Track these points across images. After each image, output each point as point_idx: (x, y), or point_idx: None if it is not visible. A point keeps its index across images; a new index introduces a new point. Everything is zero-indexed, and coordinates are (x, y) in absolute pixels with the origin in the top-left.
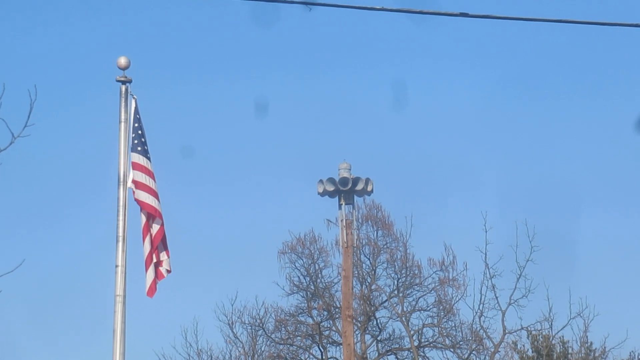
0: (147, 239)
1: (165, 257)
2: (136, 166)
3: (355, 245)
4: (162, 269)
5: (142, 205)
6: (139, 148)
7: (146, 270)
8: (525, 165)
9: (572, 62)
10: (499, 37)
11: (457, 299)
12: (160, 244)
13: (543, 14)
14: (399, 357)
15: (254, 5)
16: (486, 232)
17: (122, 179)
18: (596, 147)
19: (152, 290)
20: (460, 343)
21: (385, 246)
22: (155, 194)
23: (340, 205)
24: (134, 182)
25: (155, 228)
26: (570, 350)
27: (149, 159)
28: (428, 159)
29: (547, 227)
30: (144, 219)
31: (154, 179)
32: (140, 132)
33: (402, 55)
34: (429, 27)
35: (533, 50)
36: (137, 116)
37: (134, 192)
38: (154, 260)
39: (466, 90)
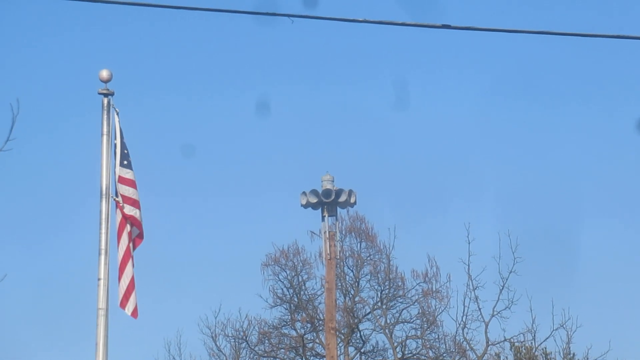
0: (130, 262)
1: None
2: (127, 182)
3: (338, 257)
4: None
5: (130, 218)
6: (125, 162)
7: (129, 292)
8: (515, 176)
9: (571, 67)
10: (495, 41)
11: (441, 311)
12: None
13: (539, 17)
14: None
15: (252, 7)
16: (469, 243)
17: (104, 192)
18: (592, 156)
19: (136, 311)
20: (444, 355)
21: (368, 258)
22: (138, 206)
23: (323, 217)
24: (125, 198)
25: (134, 234)
26: None
27: (132, 169)
28: (414, 170)
29: (533, 238)
30: (126, 239)
31: (136, 188)
32: (125, 148)
33: (398, 61)
34: (427, 31)
35: (528, 55)
36: (121, 129)
37: (122, 207)
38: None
39: (461, 98)
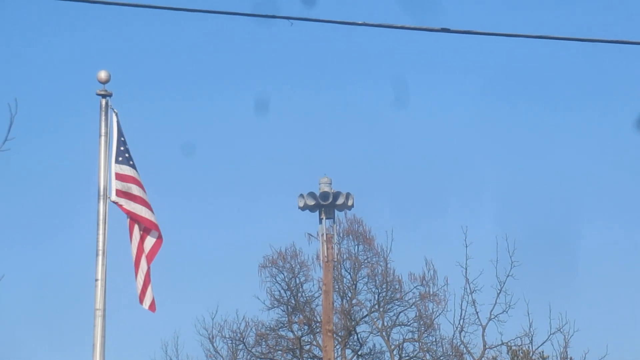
0: (143, 257)
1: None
2: (124, 177)
3: (335, 259)
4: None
5: (135, 217)
6: (120, 158)
7: (146, 286)
8: (514, 179)
9: (570, 69)
10: (494, 43)
11: (438, 314)
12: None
13: (537, 18)
14: None
15: (251, 7)
16: (467, 247)
17: (102, 193)
18: (590, 159)
19: (154, 305)
20: (441, 358)
21: (366, 261)
22: (148, 206)
23: (321, 219)
24: (122, 193)
25: (150, 241)
26: None
27: (136, 170)
28: (412, 173)
29: (531, 241)
30: (137, 235)
31: (144, 190)
32: (125, 145)
33: (396, 62)
34: (426, 33)
35: (527, 57)
36: (120, 129)
37: (120, 204)
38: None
39: (459, 100)
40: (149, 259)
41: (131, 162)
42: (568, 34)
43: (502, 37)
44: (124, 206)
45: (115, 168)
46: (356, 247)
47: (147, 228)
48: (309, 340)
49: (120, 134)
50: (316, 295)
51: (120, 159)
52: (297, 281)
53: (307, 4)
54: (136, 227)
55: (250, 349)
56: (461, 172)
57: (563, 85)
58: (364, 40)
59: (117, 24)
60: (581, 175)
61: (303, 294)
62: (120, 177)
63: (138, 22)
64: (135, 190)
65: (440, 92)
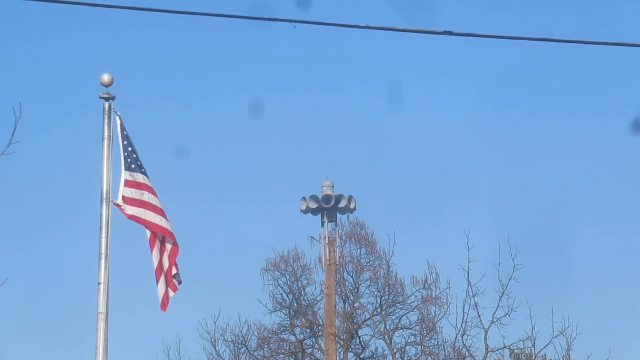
0: (155, 253)
1: (176, 270)
2: (137, 185)
3: (338, 262)
4: (175, 281)
5: (142, 222)
6: (133, 165)
7: (156, 283)
8: (516, 182)
9: (567, 72)
10: (491, 46)
11: (440, 317)
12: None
13: (533, 22)
14: None
15: (247, 9)
16: (469, 250)
17: (105, 196)
18: (589, 161)
19: (165, 304)
20: None
21: (368, 264)
22: (162, 212)
23: (323, 222)
24: (130, 200)
25: (168, 247)
26: None
27: (146, 175)
28: (414, 176)
29: (533, 244)
30: (148, 232)
31: (156, 195)
32: (130, 149)
33: (395, 64)
34: (424, 35)
35: (524, 60)
36: (125, 133)
37: (123, 209)
38: (172, 272)
39: (459, 102)
40: (171, 260)
41: (143, 169)
42: (563, 36)
43: (497, 40)
44: (126, 211)
45: (125, 175)
46: (358, 250)
47: (163, 237)
48: (311, 343)
49: (124, 137)
50: (318, 298)
51: (134, 166)
52: (299, 284)
53: (301, 6)
54: (147, 232)
55: (252, 352)
56: (462, 174)
57: (559, 88)
58: (360, 42)
59: (117, 26)
60: (580, 178)
61: (305, 297)
62: (131, 184)
63: (137, 24)
64: (147, 197)
65: (438, 95)
